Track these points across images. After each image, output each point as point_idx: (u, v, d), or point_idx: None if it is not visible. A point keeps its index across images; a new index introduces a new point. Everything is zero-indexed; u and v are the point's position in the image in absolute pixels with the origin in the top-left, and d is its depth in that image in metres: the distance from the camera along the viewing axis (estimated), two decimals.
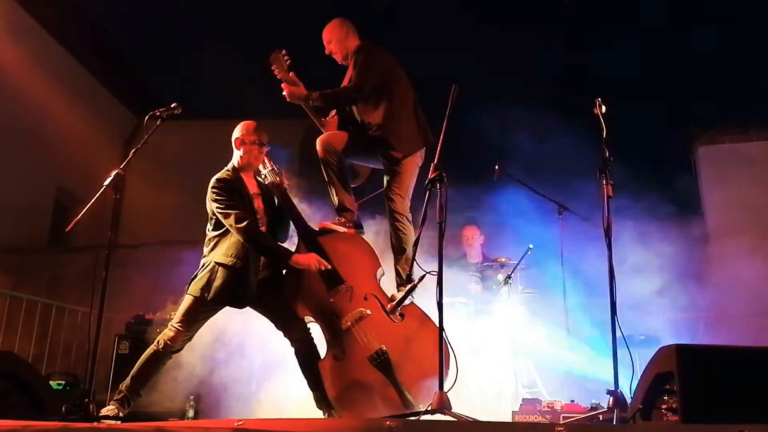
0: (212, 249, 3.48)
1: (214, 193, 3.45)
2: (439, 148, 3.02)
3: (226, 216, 3.38)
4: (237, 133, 3.63)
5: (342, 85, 3.93)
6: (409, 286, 3.22)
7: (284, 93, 3.74)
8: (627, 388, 2.66)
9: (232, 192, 3.44)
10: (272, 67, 3.81)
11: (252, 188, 3.58)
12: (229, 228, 3.39)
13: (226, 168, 3.60)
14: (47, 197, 10.30)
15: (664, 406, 2.33)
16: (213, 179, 3.50)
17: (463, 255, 5.96)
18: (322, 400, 3.34)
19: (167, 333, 3.41)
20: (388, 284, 3.63)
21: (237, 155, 3.62)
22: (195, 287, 3.41)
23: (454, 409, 2.56)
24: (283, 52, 3.81)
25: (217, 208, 3.42)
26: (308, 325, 3.49)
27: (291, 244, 3.66)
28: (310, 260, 3.35)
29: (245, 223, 3.33)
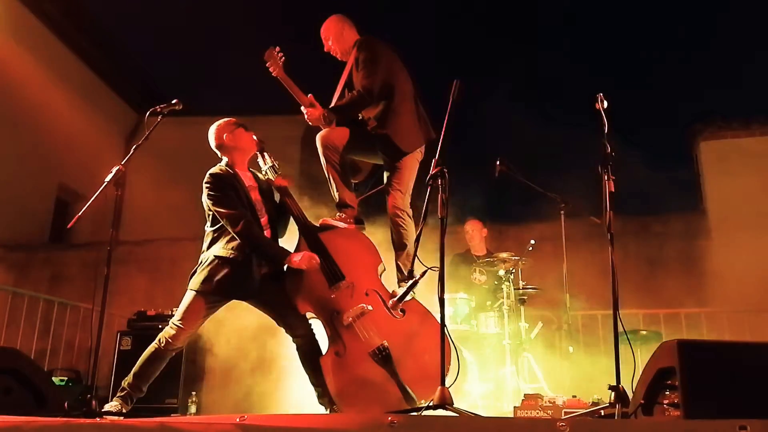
0: (210, 244, 3.47)
1: (207, 188, 3.43)
2: (440, 144, 3.01)
3: (221, 214, 3.38)
4: (215, 134, 3.60)
5: (342, 80, 3.93)
6: (410, 282, 3.21)
7: (305, 117, 3.77)
8: (628, 383, 2.66)
9: (227, 187, 3.42)
10: (267, 64, 3.82)
11: (248, 181, 3.57)
12: (225, 226, 3.38)
13: (219, 164, 3.59)
14: (48, 194, 10.32)
15: (665, 402, 2.33)
16: (206, 174, 3.49)
17: (467, 249, 5.99)
18: (323, 396, 3.34)
19: (168, 331, 3.39)
20: (390, 280, 3.63)
21: (228, 155, 3.60)
22: (195, 282, 3.39)
23: (456, 405, 2.56)
24: (277, 49, 3.81)
25: (213, 204, 3.41)
26: (310, 321, 3.49)
27: (291, 242, 3.65)
28: (303, 262, 3.33)
29: (241, 224, 3.31)
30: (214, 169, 3.52)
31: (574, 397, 3.56)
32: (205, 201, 3.46)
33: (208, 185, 3.44)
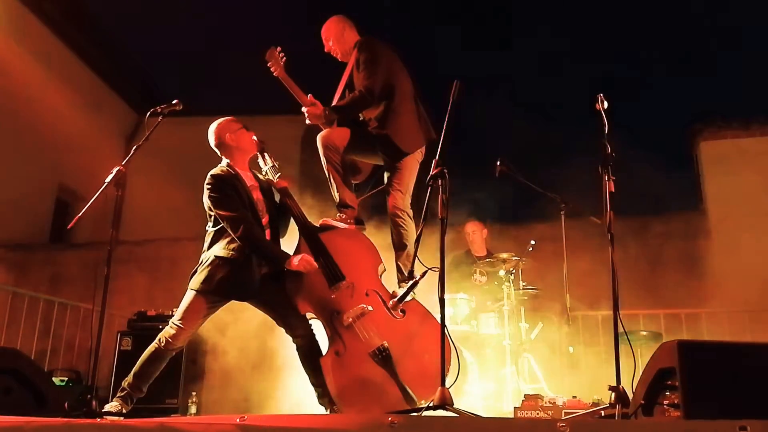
0: (211, 244, 3.47)
1: (208, 190, 3.42)
2: (440, 145, 3.01)
3: (222, 217, 3.37)
4: (216, 133, 3.58)
5: (342, 81, 3.93)
6: (410, 282, 3.21)
7: (305, 116, 3.78)
8: (629, 383, 2.66)
9: (227, 188, 3.41)
10: (268, 64, 3.83)
11: (249, 180, 3.56)
12: (226, 228, 3.38)
13: (220, 165, 3.57)
14: (49, 194, 10.32)
15: (665, 402, 2.33)
16: (208, 175, 3.48)
17: (468, 249, 5.99)
18: (323, 396, 3.34)
19: (168, 331, 3.39)
20: (390, 281, 3.63)
21: (228, 154, 3.58)
22: (196, 281, 3.39)
23: (456, 405, 2.56)
24: (279, 48, 3.82)
25: (213, 206, 3.40)
26: (310, 321, 3.49)
27: (292, 242, 3.65)
28: (301, 265, 3.32)
29: (241, 227, 3.30)
30: (215, 170, 3.51)
31: (574, 397, 3.56)
32: (206, 202, 3.46)
33: (209, 187, 3.43)
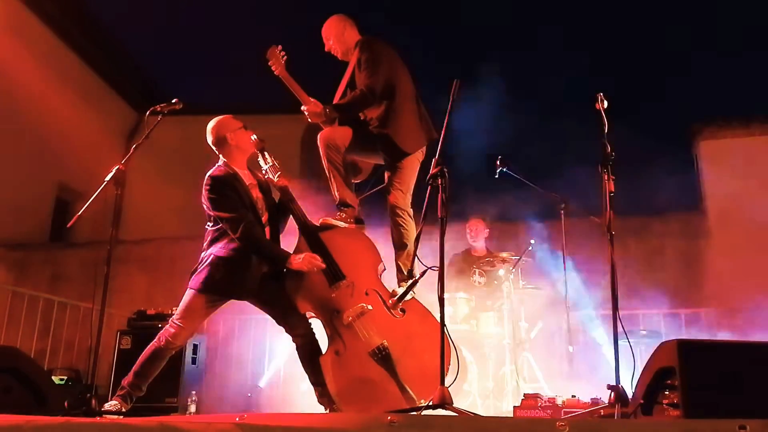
0: (211, 243, 3.46)
1: (207, 191, 3.41)
2: (440, 144, 3.01)
3: (221, 218, 3.37)
4: (215, 132, 3.54)
5: (344, 80, 3.93)
6: (410, 281, 3.21)
7: (305, 114, 3.78)
8: (628, 383, 2.66)
9: (226, 188, 3.40)
10: (269, 63, 3.82)
11: (247, 179, 3.55)
12: (225, 229, 3.38)
13: (218, 164, 3.55)
14: (48, 193, 10.32)
15: (665, 401, 2.34)
16: (206, 176, 3.46)
17: (468, 249, 5.98)
18: (323, 395, 3.34)
19: (169, 330, 3.39)
20: (390, 280, 3.63)
21: (226, 153, 3.55)
22: (196, 281, 3.39)
23: (456, 404, 2.56)
24: (279, 47, 3.82)
25: (212, 207, 3.39)
26: (309, 321, 3.49)
27: (292, 238, 3.65)
28: (304, 263, 3.33)
29: (241, 228, 3.29)
30: (213, 171, 3.49)
31: (574, 396, 3.56)
32: (205, 203, 3.45)
33: (208, 188, 3.42)
